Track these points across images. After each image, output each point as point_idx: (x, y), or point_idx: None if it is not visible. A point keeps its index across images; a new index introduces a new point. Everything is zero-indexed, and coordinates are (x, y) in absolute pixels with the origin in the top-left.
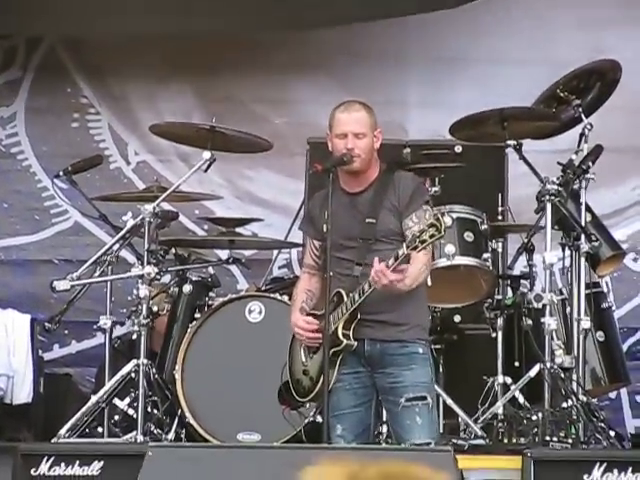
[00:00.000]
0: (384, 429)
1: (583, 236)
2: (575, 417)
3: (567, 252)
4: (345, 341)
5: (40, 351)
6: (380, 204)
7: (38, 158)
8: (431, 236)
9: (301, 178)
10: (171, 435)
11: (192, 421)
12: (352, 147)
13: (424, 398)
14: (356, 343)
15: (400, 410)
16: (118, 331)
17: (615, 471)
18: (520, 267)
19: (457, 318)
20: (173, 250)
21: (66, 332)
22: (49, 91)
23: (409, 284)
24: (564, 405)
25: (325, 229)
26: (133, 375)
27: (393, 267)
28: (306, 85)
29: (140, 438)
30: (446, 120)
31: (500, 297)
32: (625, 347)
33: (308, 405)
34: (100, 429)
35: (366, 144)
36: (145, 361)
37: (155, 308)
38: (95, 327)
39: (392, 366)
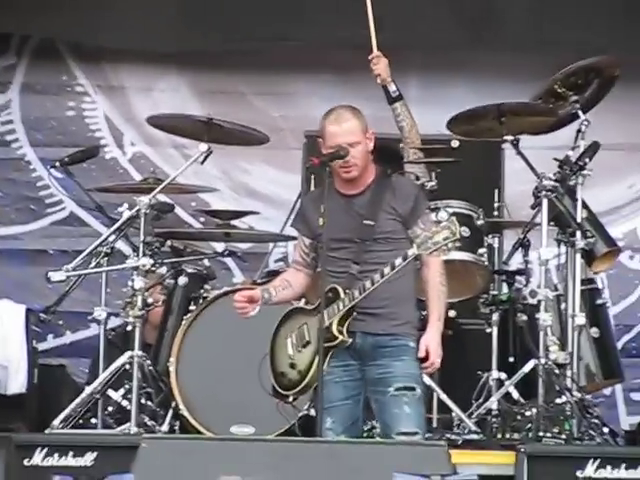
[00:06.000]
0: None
1: (579, 232)
2: (569, 413)
3: (563, 248)
4: (340, 337)
5: (34, 341)
6: (379, 206)
7: (33, 146)
8: (445, 238)
9: (298, 172)
10: (165, 427)
11: (186, 413)
12: (348, 158)
13: (413, 389)
14: (350, 340)
15: (388, 399)
16: (112, 322)
17: (608, 467)
18: (516, 263)
19: (452, 313)
20: (169, 242)
21: (60, 322)
22: (44, 78)
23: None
24: (558, 401)
25: (321, 222)
26: (127, 367)
27: (399, 268)
28: (304, 78)
29: (134, 429)
30: (445, 116)
31: (495, 292)
32: (620, 344)
33: (290, 398)
34: (94, 420)
35: (361, 151)
36: (140, 353)
37: (150, 300)
38: (90, 318)
39: (383, 358)
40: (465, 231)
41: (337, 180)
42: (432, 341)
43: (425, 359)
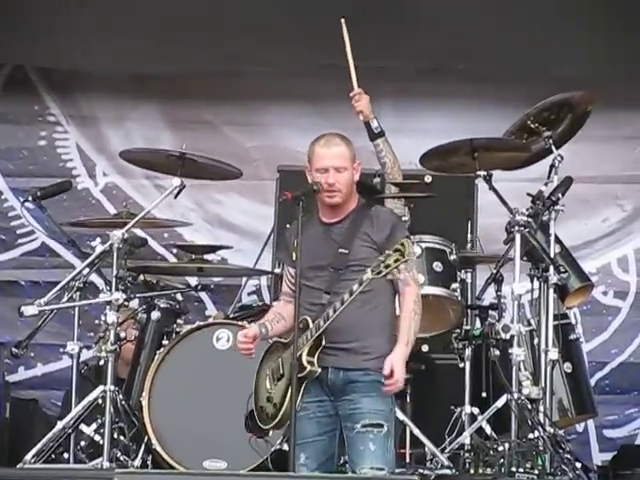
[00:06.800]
0: None
1: (552, 267)
2: (542, 448)
3: (536, 283)
4: (309, 367)
5: (5, 374)
6: (355, 235)
7: (4, 176)
8: (395, 260)
9: (271, 203)
10: (137, 462)
11: (158, 448)
12: (333, 182)
13: (380, 426)
14: (320, 370)
15: (355, 435)
16: (85, 355)
17: None
18: (489, 298)
19: (425, 348)
20: (142, 276)
21: (32, 355)
22: (16, 108)
23: (412, 339)
24: (531, 436)
25: (294, 257)
26: (100, 401)
27: (355, 294)
28: (278, 109)
29: (106, 464)
30: (419, 147)
31: (468, 327)
32: (593, 381)
33: (271, 432)
34: (66, 455)
35: (347, 178)
36: (112, 387)
37: (123, 334)
38: (62, 351)
39: (353, 393)
40: (438, 266)
41: (321, 208)
42: (397, 361)
43: (389, 378)
